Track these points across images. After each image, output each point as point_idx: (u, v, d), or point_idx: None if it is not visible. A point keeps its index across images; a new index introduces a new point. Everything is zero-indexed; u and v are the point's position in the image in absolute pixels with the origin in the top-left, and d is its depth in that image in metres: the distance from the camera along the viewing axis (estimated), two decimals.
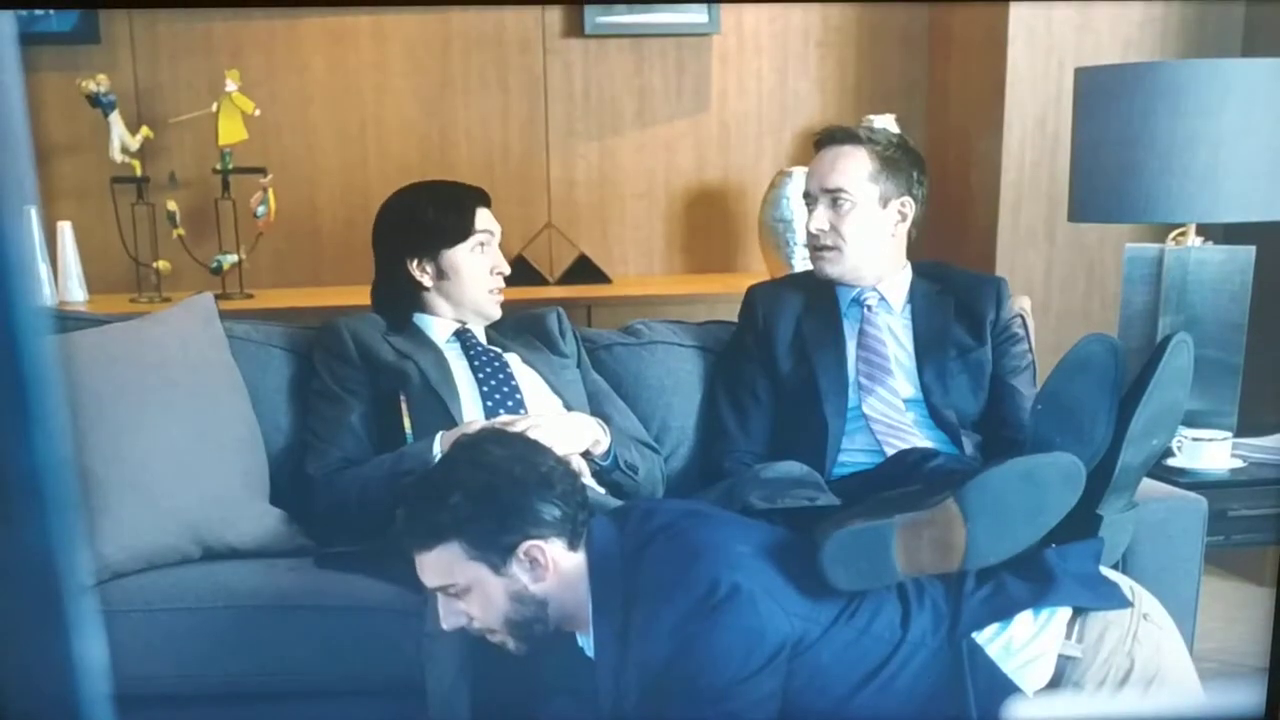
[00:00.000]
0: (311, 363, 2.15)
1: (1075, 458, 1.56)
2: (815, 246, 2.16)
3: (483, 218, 2.15)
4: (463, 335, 2.16)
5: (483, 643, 1.59)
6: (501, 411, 2.03)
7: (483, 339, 2.18)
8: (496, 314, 2.20)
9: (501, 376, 2.09)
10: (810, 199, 2.16)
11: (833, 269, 2.16)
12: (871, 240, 2.14)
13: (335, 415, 2.06)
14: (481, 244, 2.14)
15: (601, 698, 1.53)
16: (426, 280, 2.14)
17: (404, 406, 2.03)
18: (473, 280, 2.14)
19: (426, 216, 2.12)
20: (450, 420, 1.98)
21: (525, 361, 2.17)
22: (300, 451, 2.11)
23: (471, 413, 2.02)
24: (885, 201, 2.13)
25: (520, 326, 2.25)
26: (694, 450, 2.30)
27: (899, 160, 2.13)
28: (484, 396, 2.06)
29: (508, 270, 2.19)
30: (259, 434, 2.12)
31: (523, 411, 2.04)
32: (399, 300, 2.17)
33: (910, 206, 2.15)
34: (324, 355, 2.12)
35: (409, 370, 2.05)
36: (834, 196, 2.12)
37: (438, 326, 2.16)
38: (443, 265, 2.13)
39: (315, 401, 2.11)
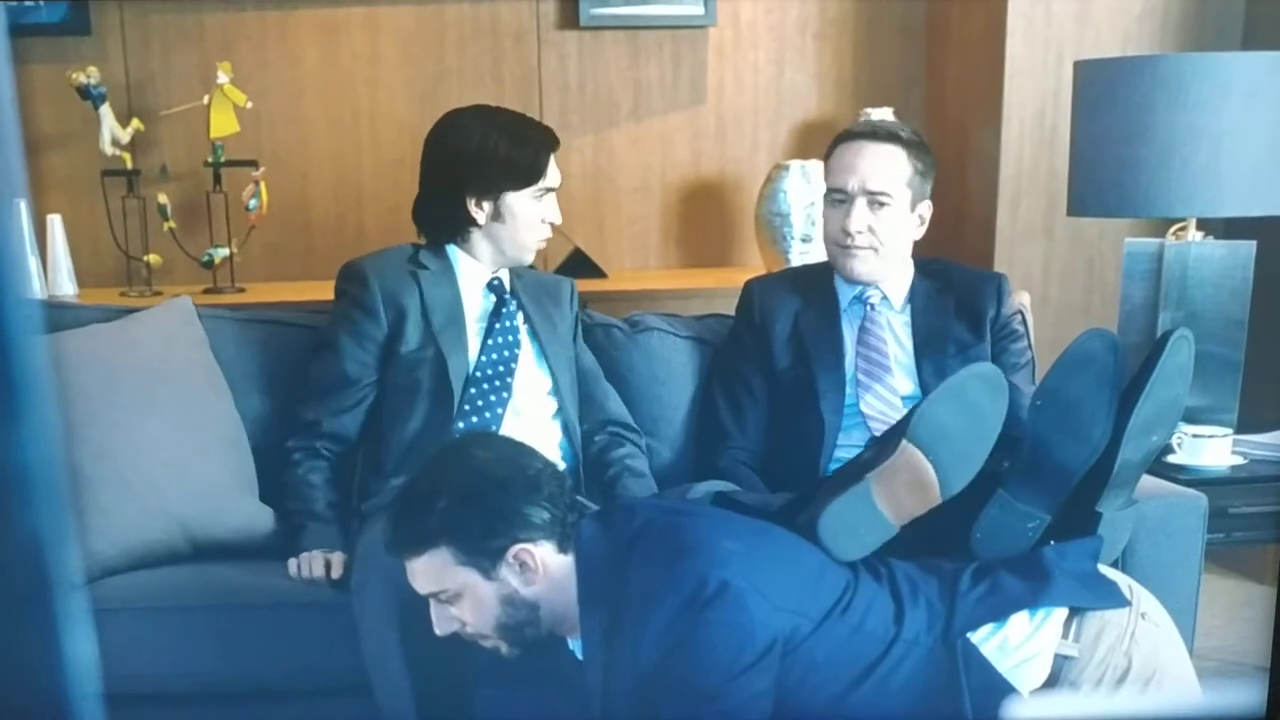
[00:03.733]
0: (303, 348, 2.12)
1: (992, 365, 1.71)
2: (848, 245, 2.10)
3: (552, 166, 2.06)
4: (496, 289, 2.09)
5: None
6: (492, 384, 2.00)
7: (508, 288, 2.12)
8: (529, 260, 2.12)
9: (507, 354, 2.04)
10: (842, 196, 2.09)
11: (864, 267, 2.11)
12: (903, 243, 2.12)
13: (332, 373, 2.03)
14: (542, 193, 2.05)
15: (591, 699, 1.51)
16: (481, 218, 2.04)
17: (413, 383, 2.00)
18: (527, 228, 2.05)
19: (498, 153, 2.01)
20: (448, 390, 1.96)
21: (530, 327, 2.11)
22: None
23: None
24: (914, 205, 2.10)
25: (540, 286, 2.19)
26: (685, 440, 2.27)
27: (927, 165, 2.10)
28: (477, 380, 2.01)
29: (559, 220, 2.09)
30: (244, 433, 2.11)
31: (507, 394, 2.02)
32: (441, 227, 2.08)
33: (929, 210, 2.13)
34: (345, 304, 2.05)
35: (424, 335, 2.00)
36: (876, 198, 2.07)
37: (473, 272, 2.08)
38: (500, 207, 2.03)
39: (319, 353, 2.06)
